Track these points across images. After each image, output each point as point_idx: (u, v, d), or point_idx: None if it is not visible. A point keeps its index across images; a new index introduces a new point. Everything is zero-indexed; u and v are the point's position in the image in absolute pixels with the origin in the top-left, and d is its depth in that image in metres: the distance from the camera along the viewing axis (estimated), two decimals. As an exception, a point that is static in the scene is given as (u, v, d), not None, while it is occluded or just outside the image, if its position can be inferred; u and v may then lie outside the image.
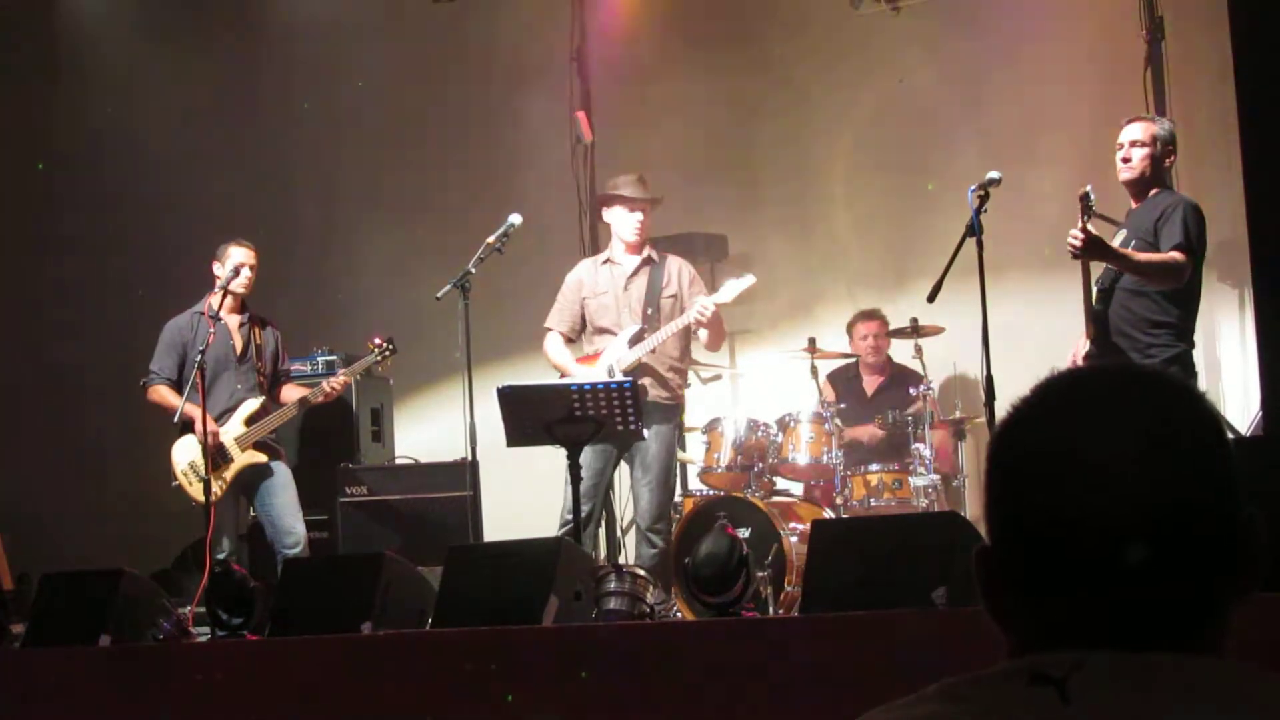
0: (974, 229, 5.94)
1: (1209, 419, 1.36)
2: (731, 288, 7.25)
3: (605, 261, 7.56)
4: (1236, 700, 1.25)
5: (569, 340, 7.53)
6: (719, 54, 9.68)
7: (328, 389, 7.70)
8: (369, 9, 10.36)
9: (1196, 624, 1.31)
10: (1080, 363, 6.23)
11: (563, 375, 7.36)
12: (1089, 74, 8.54)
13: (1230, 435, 1.40)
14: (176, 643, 5.76)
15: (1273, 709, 1.25)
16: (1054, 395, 1.38)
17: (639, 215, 7.43)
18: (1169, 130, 6.33)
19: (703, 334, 7.36)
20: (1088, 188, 6.03)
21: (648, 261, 7.48)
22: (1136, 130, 6.27)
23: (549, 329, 7.54)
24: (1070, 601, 1.31)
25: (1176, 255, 5.99)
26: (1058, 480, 1.32)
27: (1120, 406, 1.35)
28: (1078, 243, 5.89)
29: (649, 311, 7.34)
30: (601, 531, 7.82)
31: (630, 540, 8.10)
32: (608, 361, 7.24)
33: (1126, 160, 6.24)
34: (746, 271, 7.42)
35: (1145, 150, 6.22)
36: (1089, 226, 5.91)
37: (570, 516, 6.72)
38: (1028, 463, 1.35)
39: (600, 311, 7.44)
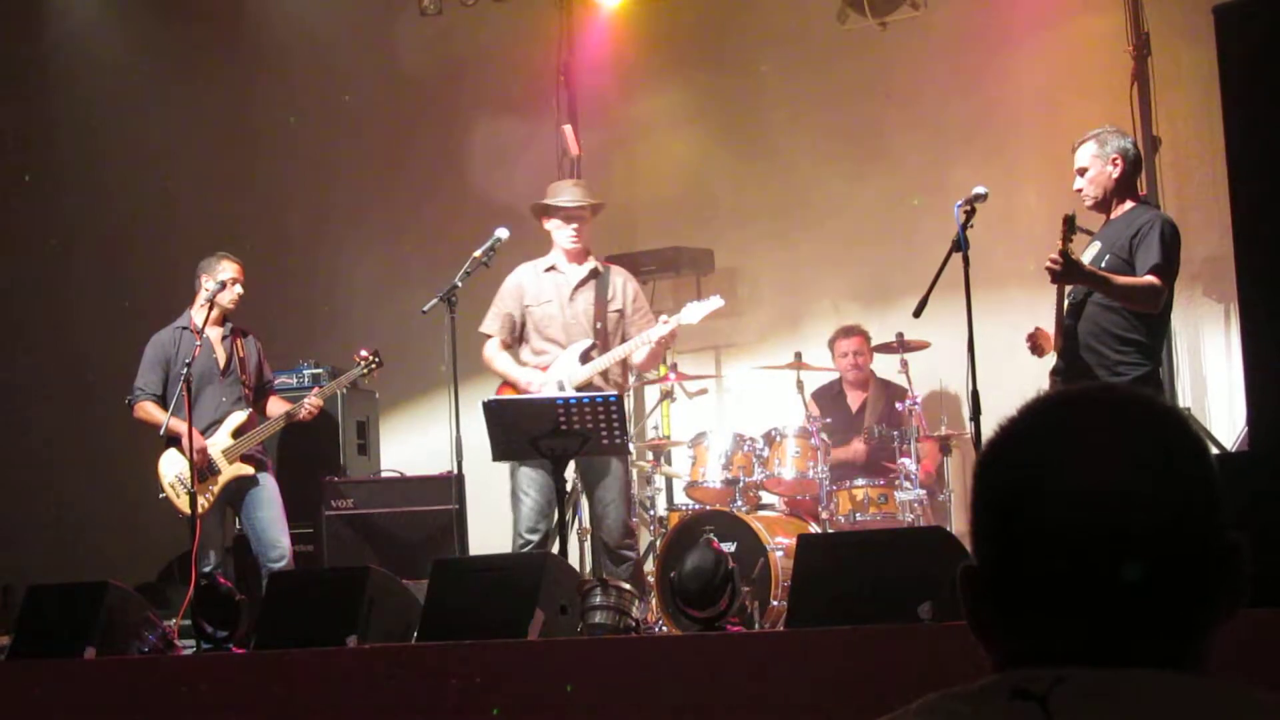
0: (960, 244, 5.94)
1: (1193, 441, 1.36)
2: (695, 310, 7.22)
3: (549, 269, 7.41)
4: (1217, 716, 1.25)
5: (506, 347, 7.42)
6: (705, 68, 9.70)
7: (308, 408, 7.67)
8: (356, 24, 10.36)
9: (1179, 642, 1.31)
10: (1042, 349, 6.23)
11: (509, 384, 7.27)
12: (1076, 89, 8.56)
13: (1215, 454, 1.40)
14: (161, 656, 5.74)
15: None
16: (1040, 415, 1.39)
17: (575, 224, 7.34)
18: (1119, 144, 6.13)
19: (641, 354, 7.24)
20: (1071, 212, 5.89)
21: (594, 274, 7.38)
22: (1081, 156, 6.14)
23: (488, 335, 7.40)
24: (1054, 618, 1.31)
25: (1153, 280, 5.86)
26: (1043, 499, 1.32)
27: (1106, 427, 1.35)
28: (1056, 267, 5.78)
29: (598, 326, 7.28)
30: (587, 545, 7.80)
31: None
32: (557, 376, 7.16)
33: (1079, 190, 6.15)
34: (720, 293, 7.41)
35: (1093, 172, 6.10)
36: (1068, 248, 5.80)
37: (528, 536, 6.76)
38: (1013, 482, 1.36)
39: (545, 321, 7.32)
